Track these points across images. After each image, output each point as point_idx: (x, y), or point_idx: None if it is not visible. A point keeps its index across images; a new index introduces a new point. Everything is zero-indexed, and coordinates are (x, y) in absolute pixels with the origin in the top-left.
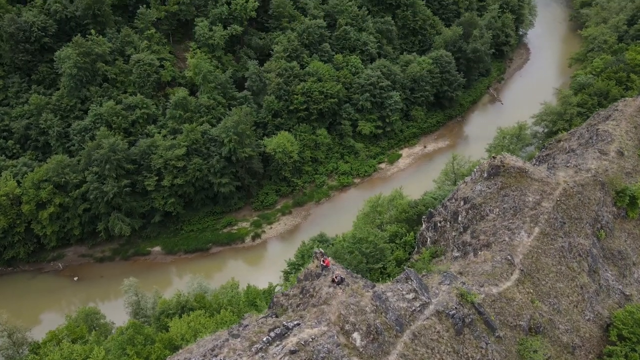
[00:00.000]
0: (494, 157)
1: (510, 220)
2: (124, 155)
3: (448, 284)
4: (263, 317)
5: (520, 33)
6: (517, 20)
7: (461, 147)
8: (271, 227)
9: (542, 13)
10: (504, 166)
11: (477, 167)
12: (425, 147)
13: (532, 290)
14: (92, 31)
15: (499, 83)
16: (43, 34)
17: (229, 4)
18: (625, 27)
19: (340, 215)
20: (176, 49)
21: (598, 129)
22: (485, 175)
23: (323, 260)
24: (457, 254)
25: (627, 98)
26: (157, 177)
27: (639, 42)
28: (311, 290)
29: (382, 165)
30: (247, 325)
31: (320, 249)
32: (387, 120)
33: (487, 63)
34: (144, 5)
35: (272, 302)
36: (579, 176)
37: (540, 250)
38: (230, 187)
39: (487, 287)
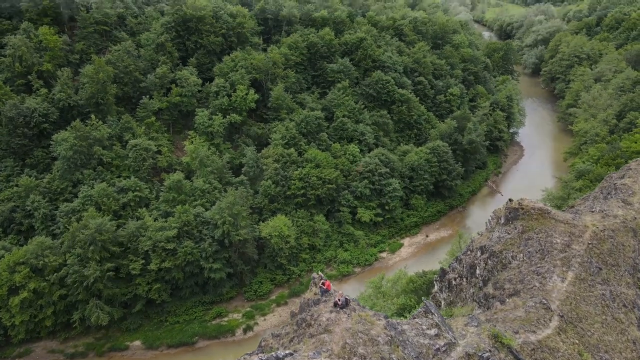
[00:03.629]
0: (510, 200)
1: (539, 265)
2: (111, 236)
3: (476, 326)
4: (247, 355)
5: (512, 131)
6: (508, 118)
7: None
8: (265, 319)
9: (530, 116)
10: (523, 208)
11: (492, 214)
12: (427, 236)
13: (577, 341)
14: (92, 116)
15: (496, 176)
16: (44, 119)
17: (229, 96)
18: (615, 121)
19: None
20: (175, 138)
21: (616, 183)
22: (503, 220)
23: (322, 283)
24: (478, 311)
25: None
26: (143, 261)
27: (632, 133)
28: (308, 318)
29: (384, 255)
30: None
31: (320, 273)
32: (387, 207)
33: (484, 155)
34: (147, 96)
35: (259, 345)
36: (607, 221)
37: (579, 297)
38: (222, 273)
39: (523, 334)
